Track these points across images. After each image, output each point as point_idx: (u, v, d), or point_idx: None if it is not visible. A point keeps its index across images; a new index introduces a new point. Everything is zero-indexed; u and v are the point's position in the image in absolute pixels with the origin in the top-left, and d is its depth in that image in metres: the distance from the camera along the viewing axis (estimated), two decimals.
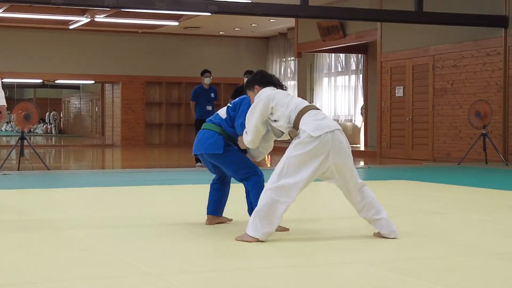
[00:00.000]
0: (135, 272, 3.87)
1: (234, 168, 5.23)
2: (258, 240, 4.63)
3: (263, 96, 5.00)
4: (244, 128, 5.06)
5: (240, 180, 5.28)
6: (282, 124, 4.92)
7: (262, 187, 5.10)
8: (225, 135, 5.27)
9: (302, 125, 4.80)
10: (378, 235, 4.89)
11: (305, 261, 4.19)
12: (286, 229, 5.13)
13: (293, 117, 4.86)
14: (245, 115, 5.06)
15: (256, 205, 4.81)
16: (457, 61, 14.41)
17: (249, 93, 5.24)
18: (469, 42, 14.09)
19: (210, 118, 5.48)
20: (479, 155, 13.36)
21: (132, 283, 3.61)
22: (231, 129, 5.27)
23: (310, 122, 4.78)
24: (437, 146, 14.92)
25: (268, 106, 4.93)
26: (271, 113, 4.95)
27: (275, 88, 5.15)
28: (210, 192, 5.55)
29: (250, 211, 5.17)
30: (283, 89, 5.19)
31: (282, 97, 4.98)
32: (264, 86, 5.16)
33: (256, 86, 5.19)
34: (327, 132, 4.72)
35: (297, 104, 4.90)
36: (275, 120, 4.94)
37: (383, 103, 16.33)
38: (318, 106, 5.21)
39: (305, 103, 4.95)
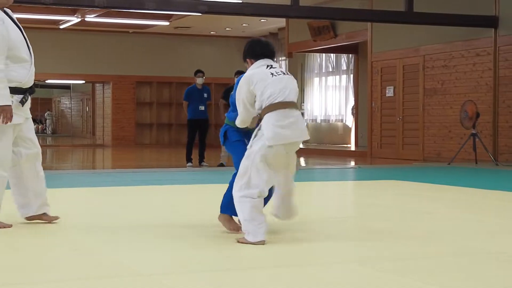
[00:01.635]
0: (126, 273, 3.86)
1: (235, 160, 5.20)
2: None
3: (243, 79, 4.85)
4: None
5: None
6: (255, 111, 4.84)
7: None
8: (229, 122, 5.22)
9: (264, 123, 4.70)
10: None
11: (296, 261, 4.20)
12: None
13: (262, 107, 4.74)
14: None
15: (225, 198, 5.00)
16: (447, 61, 14.45)
17: (246, 66, 5.06)
18: (459, 42, 14.14)
19: None
20: (469, 155, 13.41)
21: (123, 284, 3.60)
22: (233, 114, 5.16)
23: (270, 126, 4.67)
24: (428, 146, 14.97)
25: (249, 89, 4.79)
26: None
27: (265, 62, 4.89)
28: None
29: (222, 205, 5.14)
30: (273, 59, 4.96)
31: (261, 80, 4.76)
32: (257, 58, 4.93)
33: (247, 59, 5.00)
34: (282, 144, 4.68)
35: (270, 95, 4.72)
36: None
37: (374, 103, 16.37)
38: (300, 103, 5.04)
39: (280, 96, 4.73)
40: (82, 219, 5.87)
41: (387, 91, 16.01)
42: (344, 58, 20.42)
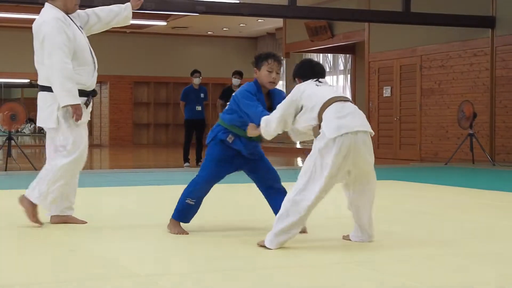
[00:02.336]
0: (123, 273, 3.86)
1: (204, 161, 5.18)
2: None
3: (293, 92, 4.64)
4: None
5: None
6: (301, 126, 4.59)
7: (190, 186, 5.09)
8: (222, 123, 5.10)
9: (324, 122, 4.42)
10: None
11: (293, 262, 4.20)
12: None
13: (317, 112, 4.46)
14: (245, 106, 4.86)
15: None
16: (444, 62, 14.46)
17: (254, 75, 5.02)
18: (456, 42, 14.15)
19: None
20: (466, 155, 13.42)
21: (120, 284, 3.61)
22: (226, 116, 5.07)
23: (330, 119, 4.40)
24: (425, 146, 14.97)
25: (292, 99, 4.58)
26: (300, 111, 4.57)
27: (314, 83, 4.66)
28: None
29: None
30: (321, 79, 4.73)
31: (309, 89, 4.56)
32: (306, 79, 4.74)
33: (297, 78, 4.84)
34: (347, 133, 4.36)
35: (322, 96, 4.50)
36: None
37: (371, 103, 16.37)
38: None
39: (332, 94, 4.52)
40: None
41: (384, 91, 16.02)
42: (341, 58, 20.43)
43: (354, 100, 19.42)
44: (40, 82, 5.44)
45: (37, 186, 5.35)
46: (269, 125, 4.66)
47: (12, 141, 11.75)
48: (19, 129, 17.26)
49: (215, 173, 5.10)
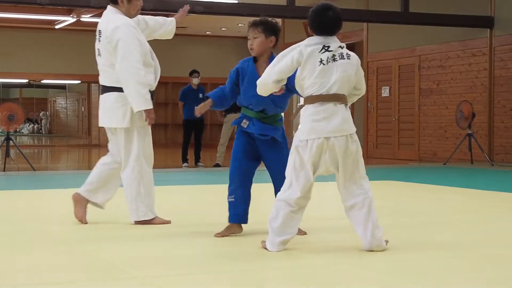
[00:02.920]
0: (121, 275, 3.86)
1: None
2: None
3: (295, 46, 4.39)
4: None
5: None
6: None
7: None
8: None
9: (302, 116, 4.38)
10: None
11: (292, 263, 4.19)
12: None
13: (303, 95, 4.39)
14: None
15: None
16: (443, 62, 14.47)
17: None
18: (455, 42, 14.15)
19: None
20: (465, 155, 13.42)
21: (118, 286, 3.60)
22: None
23: (306, 119, 4.34)
24: (423, 146, 14.98)
25: (295, 59, 4.33)
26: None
27: (322, 41, 4.36)
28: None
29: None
30: (335, 34, 4.42)
31: (310, 64, 4.32)
32: (318, 33, 4.40)
33: (310, 29, 4.45)
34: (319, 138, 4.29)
35: (310, 85, 4.32)
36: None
37: (369, 103, 16.37)
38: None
39: (320, 88, 4.30)
40: (77, 220, 5.85)
41: (382, 91, 16.02)
42: None
43: None
44: (108, 84, 5.54)
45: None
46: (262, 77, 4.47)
47: (11, 141, 11.73)
48: (18, 129, 17.25)
49: (238, 164, 5.07)
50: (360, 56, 17.85)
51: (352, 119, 4.44)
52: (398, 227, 5.54)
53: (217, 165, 12.85)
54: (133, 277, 3.78)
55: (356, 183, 4.42)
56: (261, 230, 5.12)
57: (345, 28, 15.71)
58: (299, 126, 4.39)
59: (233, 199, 5.02)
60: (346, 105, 4.40)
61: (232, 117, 13.19)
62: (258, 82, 4.51)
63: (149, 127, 5.68)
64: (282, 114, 5.13)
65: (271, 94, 4.64)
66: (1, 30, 21.30)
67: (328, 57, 4.32)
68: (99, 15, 21.29)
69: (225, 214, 5.63)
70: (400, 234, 5.20)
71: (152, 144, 5.74)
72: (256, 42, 4.94)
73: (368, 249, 4.36)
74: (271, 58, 4.90)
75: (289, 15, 13.18)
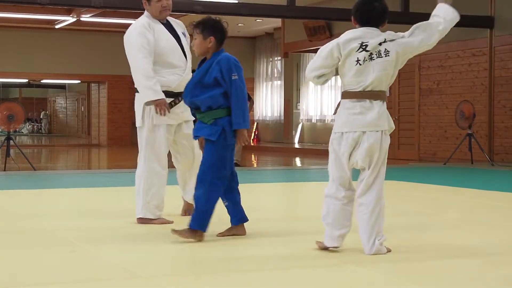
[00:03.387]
0: (124, 275, 3.86)
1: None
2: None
3: (335, 41, 4.39)
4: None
5: None
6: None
7: None
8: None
9: (339, 109, 4.42)
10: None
11: (294, 263, 4.19)
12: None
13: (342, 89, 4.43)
14: None
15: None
16: (443, 62, 14.47)
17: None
18: (455, 42, 14.15)
19: None
20: (465, 155, 13.42)
21: (121, 286, 3.60)
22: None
23: (343, 112, 4.37)
24: (423, 146, 14.98)
25: (335, 54, 4.35)
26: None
27: (362, 35, 4.33)
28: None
29: None
30: (378, 25, 4.37)
31: (348, 62, 4.32)
32: (361, 24, 4.40)
33: (353, 20, 4.45)
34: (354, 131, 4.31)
35: (347, 83, 4.35)
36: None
37: None
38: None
39: (356, 87, 4.32)
40: (78, 220, 5.86)
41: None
42: None
43: None
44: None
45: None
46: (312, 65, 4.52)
47: (11, 141, 11.73)
48: (18, 129, 17.25)
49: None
50: None
51: (388, 116, 4.40)
52: (398, 227, 5.54)
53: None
54: (137, 277, 3.78)
55: (376, 185, 4.37)
56: (262, 229, 5.13)
57: (345, 28, 15.70)
58: (335, 120, 4.44)
59: (227, 203, 5.01)
60: (383, 101, 4.37)
61: None
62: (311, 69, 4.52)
63: (165, 128, 5.58)
64: (223, 113, 4.87)
65: (191, 91, 4.78)
66: (1, 29, 21.30)
67: (365, 57, 4.30)
68: (99, 15, 21.30)
69: (225, 212, 5.61)
70: (400, 234, 5.20)
71: (163, 145, 5.60)
72: (195, 43, 4.97)
73: (368, 254, 4.32)
74: (214, 56, 4.93)
75: (289, 15, 13.18)
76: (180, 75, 5.60)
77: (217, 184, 4.78)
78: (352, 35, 4.35)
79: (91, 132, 25.64)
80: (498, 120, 13.48)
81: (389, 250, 4.39)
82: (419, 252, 4.54)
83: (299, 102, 22.09)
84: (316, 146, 19.86)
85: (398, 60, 4.37)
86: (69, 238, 4.96)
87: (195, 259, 4.32)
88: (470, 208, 6.98)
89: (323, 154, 17.94)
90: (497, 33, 13.48)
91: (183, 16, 18.65)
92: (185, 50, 5.70)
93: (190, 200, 5.63)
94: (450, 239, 5.06)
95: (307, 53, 20.90)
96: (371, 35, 4.34)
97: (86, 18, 19.04)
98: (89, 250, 4.54)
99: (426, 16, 13.25)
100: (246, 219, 5.03)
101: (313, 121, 21.52)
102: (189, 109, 5.46)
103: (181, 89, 5.41)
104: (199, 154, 5.64)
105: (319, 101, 21.27)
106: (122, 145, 22.98)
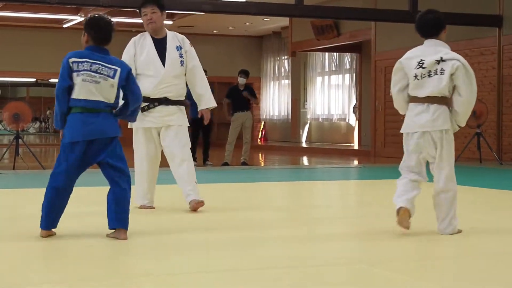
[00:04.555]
0: (135, 272, 3.86)
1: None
2: None
3: (399, 63, 5.09)
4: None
5: None
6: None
7: None
8: None
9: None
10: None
11: (305, 262, 4.19)
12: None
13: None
14: (139, 93, 4.95)
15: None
16: None
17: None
18: (463, 41, 14.12)
19: None
20: (474, 154, 13.40)
21: (132, 283, 3.60)
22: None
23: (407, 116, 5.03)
24: None
25: (404, 73, 5.04)
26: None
27: (420, 52, 5.01)
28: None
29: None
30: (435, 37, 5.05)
31: (409, 75, 4.98)
32: (422, 35, 5.12)
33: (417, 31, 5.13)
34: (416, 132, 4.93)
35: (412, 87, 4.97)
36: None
37: (377, 102, 16.36)
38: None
39: (415, 93, 4.97)
40: (88, 218, 5.86)
41: (390, 90, 15.99)
42: (347, 57, 20.41)
43: (360, 99, 19.42)
44: None
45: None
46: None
47: (20, 140, 11.76)
48: (25, 128, 17.31)
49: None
50: (368, 55, 17.86)
51: (447, 117, 5.00)
52: (411, 225, 5.52)
53: (226, 164, 12.87)
54: (148, 274, 3.78)
55: (447, 177, 5.16)
56: (271, 229, 5.12)
57: (353, 27, 15.70)
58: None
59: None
60: (442, 104, 4.94)
61: (240, 115, 13.19)
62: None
63: (142, 130, 6.36)
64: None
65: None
66: (9, 29, 21.34)
67: (422, 73, 4.91)
68: (107, 14, 21.29)
69: (233, 211, 5.67)
70: (411, 232, 5.19)
71: (146, 145, 6.40)
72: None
73: (442, 233, 4.90)
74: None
75: (297, 14, 13.15)
76: (153, 83, 6.22)
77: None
78: (412, 54, 5.02)
79: None
80: (507, 119, 13.44)
81: (459, 231, 5.00)
82: (432, 251, 4.53)
83: (306, 101, 22.08)
84: (323, 145, 19.83)
85: (455, 77, 4.93)
86: (80, 236, 4.94)
87: (206, 257, 4.31)
88: (480, 207, 6.96)
89: (331, 153, 17.97)
90: (505, 32, 13.44)
91: (191, 15, 18.68)
92: (167, 61, 6.31)
93: (185, 197, 6.30)
94: (461, 238, 5.05)
95: (315, 52, 20.88)
96: (428, 53, 4.96)
97: None
98: (99, 248, 4.53)
99: None
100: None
101: (320, 120, 21.50)
102: (172, 114, 6.31)
103: (156, 95, 6.22)
104: (179, 156, 6.38)
105: (326, 100, 21.25)
106: (128, 144, 22.94)
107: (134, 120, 5.12)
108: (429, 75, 4.88)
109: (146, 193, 6.44)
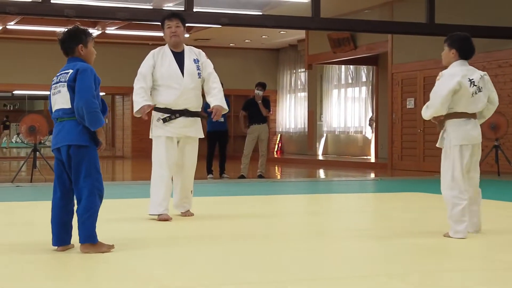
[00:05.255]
0: (153, 284, 3.85)
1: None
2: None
3: (450, 75, 5.45)
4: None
5: None
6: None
7: None
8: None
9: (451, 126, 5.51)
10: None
11: (323, 274, 4.17)
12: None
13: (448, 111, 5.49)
14: (83, 91, 4.71)
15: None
16: None
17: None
18: (480, 53, 14.04)
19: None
20: (491, 167, 13.31)
21: None
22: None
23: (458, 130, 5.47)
24: None
25: (455, 88, 5.40)
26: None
27: (467, 69, 5.51)
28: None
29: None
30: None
31: (464, 94, 5.42)
32: (463, 57, 5.54)
33: (453, 49, 5.55)
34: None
35: (462, 109, 5.45)
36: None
37: (394, 115, 16.31)
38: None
39: (466, 109, 5.47)
40: (106, 231, 5.86)
41: (407, 103, 15.95)
42: (363, 69, 20.39)
43: (377, 112, 19.37)
44: None
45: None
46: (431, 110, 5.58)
47: (37, 153, 11.82)
48: (42, 141, 17.38)
49: None
50: (384, 68, 17.82)
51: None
52: (429, 239, 5.49)
53: (242, 177, 12.86)
54: (164, 286, 3.77)
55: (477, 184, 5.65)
56: (287, 241, 5.08)
57: (369, 40, 15.70)
58: (451, 133, 5.48)
59: None
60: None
61: (256, 128, 13.19)
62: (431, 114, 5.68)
63: (163, 139, 6.58)
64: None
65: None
66: (27, 42, 21.50)
67: (475, 91, 5.48)
68: (124, 28, 21.45)
69: (249, 222, 5.65)
70: (431, 245, 5.16)
71: (162, 151, 6.57)
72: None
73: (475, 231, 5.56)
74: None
75: (314, 27, 13.13)
76: (176, 95, 6.53)
77: None
78: (461, 73, 5.45)
79: (116, 144, 25.74)
80: None
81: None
82: (450, 263, 4.49)
83: (322, 114, 22.05)
84: (340, 158, 19.79)
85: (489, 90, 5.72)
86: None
87: (222, 268, 4.29)
88: (499, 221, 6.90)
89: (347, 165, 17.93)
90: None
91: (208, 28, 18.73)
92: (186, 73, 6.61)
93: (177, 205, 6.80)
94: (480, 251, 5.01)
95: (331, 65, 20.87)
96: (469, 71, 5.53)
97: (111, 30, 19.17)
98: (117, 260, 4.53)
99: (451, 27, 13.33)
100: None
101: (336, 132, 21.46)
102: (191, 125, 6.63)
103: (178, 107, 6.54)
104: (188, 168, 6.70)
105: (342, 113, 21.21)
106: (146, 156, 23.01)
107: (92, 128, 4.81)
108: (480, 90, 5.51)
109: (163, 200, 6.48)
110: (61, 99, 4.81)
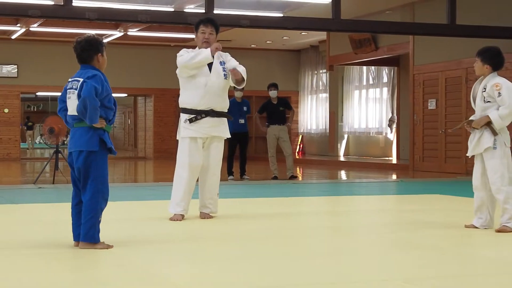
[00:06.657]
0: (164, 283, 3.88)
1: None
2: None
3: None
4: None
5: None
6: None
7: None
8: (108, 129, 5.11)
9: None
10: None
11: (340, 278, 4.17)
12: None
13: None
14: (86, 92, 4.85)
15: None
16: None
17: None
18: (504, 54, 13.95)
19: None
20: None
21: None
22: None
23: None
24: (470, 159, 14.73)
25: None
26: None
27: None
28: None
29: None
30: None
31: None
32: (495, 69, 6.14)
33: (486, 64, 6.13)
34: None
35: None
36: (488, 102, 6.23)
37: (416, 116, 16.25)
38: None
39: None
40: (125, 233, 5.90)
41: (429, 104, 15.88)
42: (385, 70, 20.32)
43: (398, 113, 19.30)
44: None
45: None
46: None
47: (59, 154, 11.90)
48: (64, 141, 17.51)
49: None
50: (406, 69, 17.76)
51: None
52: (449, 241, 5.47)
53: (275, 178, 12.97)
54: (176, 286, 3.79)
55: None
56: (305, 244, 5.08)
57: (391, 41, 15.65)
58: (505, 136, 6.10)
59: None
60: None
61: (274, 128, 13.20)
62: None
63: (187, 140, 6.72)
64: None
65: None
66: (49, 44, 21.66)
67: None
68: (146, 29, 21.54)
69: (272, 224, 5.65)
70: (450, 249, 5.14)
71: (185, 152, 6.71)
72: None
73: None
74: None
75: (334, 28, 13.11)
76: (200, 95, 6.69)
77: None
78: (494, 82, 6.16)
79: (138, 145, 25.84)
80: None
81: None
82: (470, 268, 4.47)
83: (343, 115, 22.01)
84: (361, 159, 19.75)
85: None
86: (117, 252, 4.97)
87: (241, 272, 4.31)
88: None
89: (369, 166, 17.87)
90: None
91: (229, 29, 18.76)
92: (213, 74, 6.78)
93: (202, 206, 6.87)
94: (502, 255, 4.98)
95: (352, 66, 20.83)
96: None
97: (133, 32, 19.26)
98: (137, 264, 4.55)
99: (472, 29, 13.22)
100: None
101: (357, 133, 21.41)
102: (217, 125, 6.69)
103: (203, 106, 6.67)
104: (213, 168, 6.81)
105: (364, 114, 21.16)
106: (168, 157, 23.11)
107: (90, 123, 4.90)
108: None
109: (181, 201, 6.65)
110: (71, 107, 5.02)
